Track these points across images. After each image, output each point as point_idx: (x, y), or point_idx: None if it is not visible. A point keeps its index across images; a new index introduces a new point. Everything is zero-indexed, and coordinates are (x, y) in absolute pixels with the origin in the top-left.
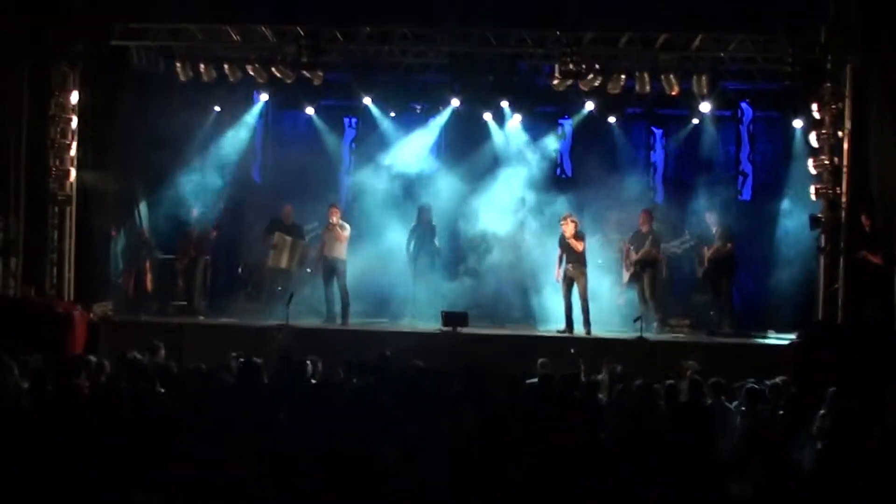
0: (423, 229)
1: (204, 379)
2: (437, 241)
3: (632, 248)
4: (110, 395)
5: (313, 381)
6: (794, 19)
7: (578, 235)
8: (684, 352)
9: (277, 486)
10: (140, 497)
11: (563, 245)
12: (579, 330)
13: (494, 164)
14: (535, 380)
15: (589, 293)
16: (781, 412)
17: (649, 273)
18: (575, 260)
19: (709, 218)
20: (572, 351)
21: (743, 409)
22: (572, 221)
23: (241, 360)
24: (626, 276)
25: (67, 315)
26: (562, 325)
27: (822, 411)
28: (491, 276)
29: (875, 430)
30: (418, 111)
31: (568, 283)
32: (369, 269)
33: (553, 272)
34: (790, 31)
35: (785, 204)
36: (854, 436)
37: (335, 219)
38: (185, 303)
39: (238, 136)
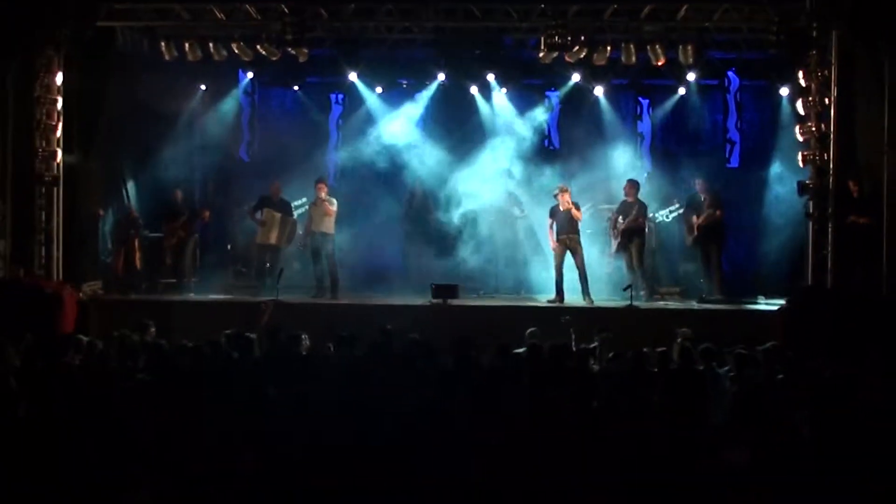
0: (412, 202)
1: (194, 355)
2: (427, 215)
3: (619, 217)
4: (101, 374)
5: (303, 356)
6: None
7: (576, 206)
8: (674, 319)
9: (268, 462)
10: (129, 474)
11: (559, 215)
12: (569, 299)
13: (482, 137)
14: (523, 349)
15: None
16: (780, 376)
17: (636, 242)
18: (572, 230)
19: (698, 186)
20: (564, 319)
21: (732, 374)
22: (568, 192)
23: (232, 336)
24: (613, 245)
25: (57, 295)
26: (552, 295)
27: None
28: (480, 248)
29: (863, 394)
30: (404, 86)
31: (562, 252)
32: (358, 243)
33: (547, 243)
34: None
35: (773, 171)
36: (844, 400)
37: (322, 194)
38: (174, 280)
39: (224, 115)
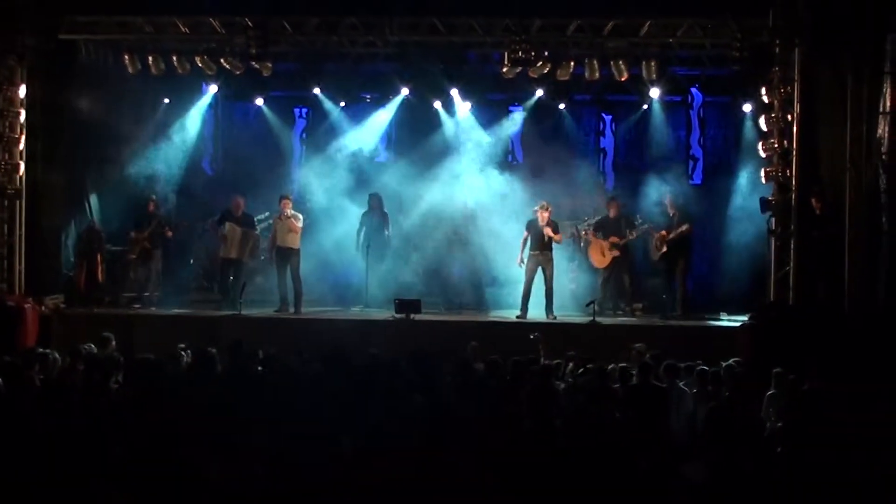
0: (374, 217)
1: (153, 369)
2: (388, 230)
3: (599, 233)
4: (62, 388)
5: (265, 370)
6: (741, 3)
7: (555, 228)
8: (638, 335)
9: (233, 477)
10: (94, 488)
11: (535, 231)
12: (532, 314)
13: (445, 151)
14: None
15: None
16: (729, 393)
17: (630, 258)
18: (545, 247)
19: (667, 201)
20: (533, 336)
21: (695, 391)
22: (548, 210)
23: (188, 350)
24: (603, 261)
25: (19, 308)
26: (518, 311)
27: (771, 391)
28: (443, 263)
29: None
30: (368, 100)
31: (533, 268)
32: (322, 258)
33: (516, 257)
34: (738, 16)
35: (735, 187)
36: (810, 414)
37: (287, 210)
38: (136, 294)
39: (188, 128)
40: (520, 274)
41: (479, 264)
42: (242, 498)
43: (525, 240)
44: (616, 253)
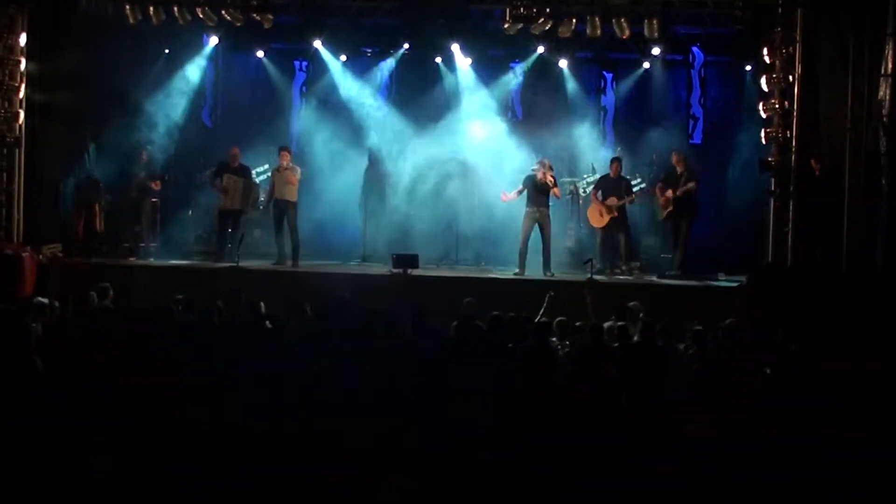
0: (372, 171)
1: (152, 320)
2: (388, 185)
3: (598, 192)
4: (60, 337)
5: (261, 323)
6: None
7: (554, 182)
8: (634, 294)
9: (227, 429)
10: (92, 440)
11: (534, 187)
12: (530, 272)
13: (445, 107)
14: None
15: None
16: (735, 352)
17: (626, 219)
18: (543, 204)
19: (674, 157)
20: (549, 294)
21: (691, 352)
22: (548, 167)
23: (184, 302)
24: (601, 221)
25: (16, 256)
26: (516, 269)
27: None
28: (442, 218)
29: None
30: (369, 54)
31: (530, 225)
32: (320, 211)
33: (515, 213)
34: None
35: (735, 147)
36: (803, 375)
37: (285, 162)
38: (131, 245)
39: (188, 80)
40: (518, 230)
41: (478, 220)
42: (235, 449)
43: (518, 192)
44: (614, 214)
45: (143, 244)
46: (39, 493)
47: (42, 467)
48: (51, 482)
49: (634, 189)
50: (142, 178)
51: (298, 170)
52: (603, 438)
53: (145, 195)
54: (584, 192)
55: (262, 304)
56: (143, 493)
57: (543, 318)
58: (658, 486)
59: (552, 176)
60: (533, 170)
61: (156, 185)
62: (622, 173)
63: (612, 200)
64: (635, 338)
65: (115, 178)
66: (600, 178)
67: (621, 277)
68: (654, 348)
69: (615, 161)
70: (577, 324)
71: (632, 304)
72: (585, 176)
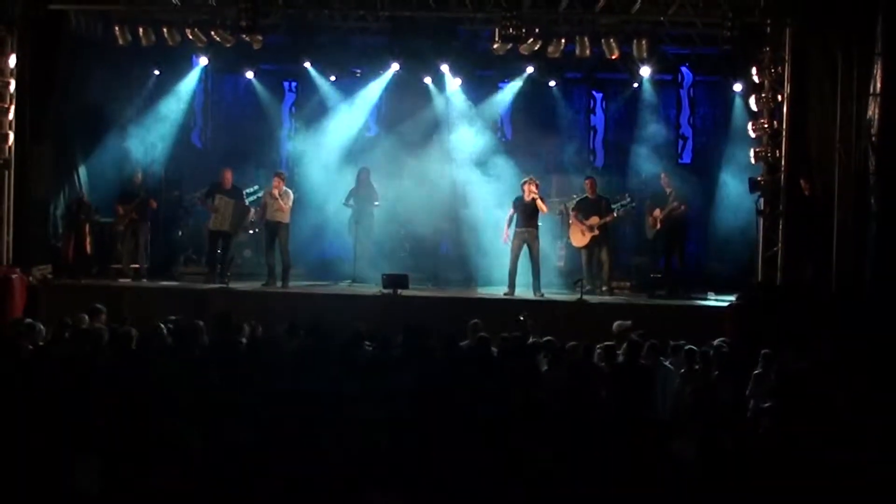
0: (362, 192)
1: (142, 342)
2: (376, 204)
3: (579, 213)
4: (50, 359)
5: (252, 344)
6: None
7: (542, 199)
8: (624, 314)
9: (217, 449)
10: (79, 461)
11: (522, 207)
12: (519, 292)
13: (435, 127)
14: (467, 341)
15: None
16: (717, 372)
17: (608, 237)
18: (532, 224)
19: (663, 179)
20: (523, 316)
21: (682, 371)
22: (535, 184)
23: (175, 323)
24: (582, 240)
25: (6, 279)
26: (505, 288)
27: (757, 370)
28: (431, 239)
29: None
30: (358, 75)
31: (519, 245)
32: (310, 232)
33: (501, 234)
34: None
35: (724, 167)
36: (798, 395)
37: (278, 191)
38: (123, 266)
39: (177, 101)
40: (507, 250)
41: (467, 240)
42: (225, 470)
43: (510, 217)
44: (595, 233)
45: (136, 265)
46: None
47: (28, 486)
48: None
49: (624, 207)
50: (139, 199)
51: (291, 194)
52: (587, 455)
53: (142, 217)
54: (568, 212)
55: (248, 324)
56: None
57: (534, 339)
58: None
59: (536, 190)
60: (521, 186)
61: (153, 205)
62: (600, 192)
63: (594, 220)
64: (620, 358)
65: (108, 201)
66: (579, 199)
67: (610, 298)
68: (641, 367)
69: (589, 179)
70: (570, 344)
71: (619, 323)
72: (575, 196)
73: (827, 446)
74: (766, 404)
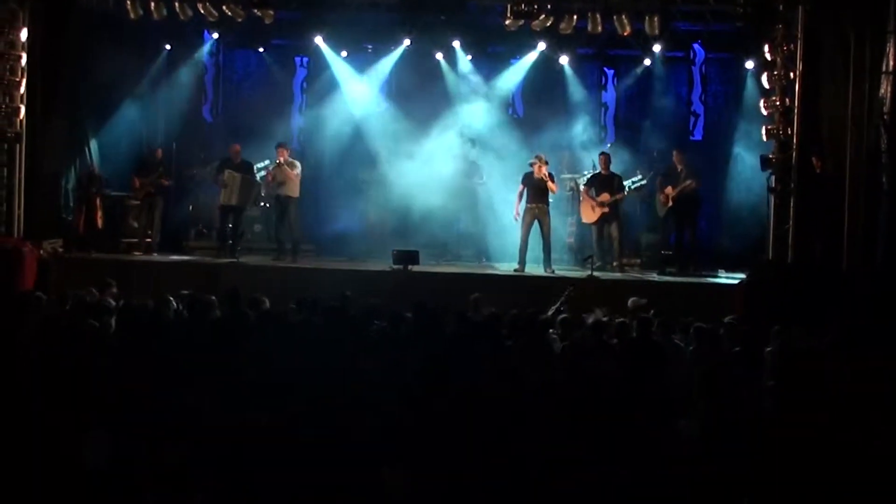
0: (374, 167)
1: (153, 315)
2: (389, 180)
3: (590, 189)
4: (59, 332)
5: (262, 319)
6: None
7: (552, 177)
8: (635, 290)
9: (229, 424)
10: (91, 435)
11: (532, 184)
12: (529, 268)
13: (446, 103)
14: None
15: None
16: (736, 349)
17: (618, 214)
18: (542, 200)
19: (675, 156)
20: (568, 290)
21: (692, 348)
22: (546, 162)
23: (187, 298)
24: (592, 216)
25: (17, 251)
26: (515, 264)
27: (769, 349)
28: (442, 215)
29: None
30: (370, 50)
31: (530, 221)
32: (321, 207)
33: (512, 210)
34: None
35: (736, 144)
36: (803, 374)
37: (282, 159)
38: (136, 240)
39: (188, 75)
40: (518, 226)
41: (478, 216)
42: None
43: (520, 193)
44: (605, 209)
45: (149, 240)
46: (36, 486)
47: (38, 460)
48: (47, 475)
49: (635, 185)
50: (158, 174)
51: (298, 164)
52: (594, 434)
53: (158, 191)
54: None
55: (266, 300)
56: (140, 485)
57: (564, 314)
58: (646, 481)
59: (547, 171)
60: (530, 164)
61: (166, 182)
62: (612, 169)
63: (605, 196)
64: (633, 334)
65: (119, 174)
66: (591, 175)
67: (621, 274)
68: (653, 344)
69: (603, 155)
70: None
71: (632, 299)
72: (586, 172)
73: (830, 426)
74: (770, 383)
